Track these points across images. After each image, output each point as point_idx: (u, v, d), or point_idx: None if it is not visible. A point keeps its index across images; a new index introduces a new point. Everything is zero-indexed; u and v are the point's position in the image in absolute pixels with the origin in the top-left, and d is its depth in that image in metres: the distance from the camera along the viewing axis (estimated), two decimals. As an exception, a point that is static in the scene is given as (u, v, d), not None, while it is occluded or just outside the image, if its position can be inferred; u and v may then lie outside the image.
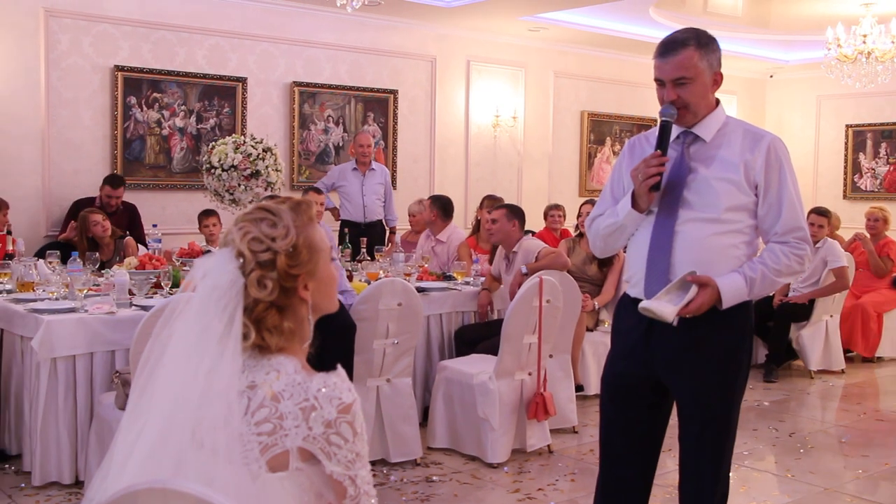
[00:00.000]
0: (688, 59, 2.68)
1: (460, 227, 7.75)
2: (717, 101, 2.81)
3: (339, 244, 7.00)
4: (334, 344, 4.25)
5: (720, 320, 2.72)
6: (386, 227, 8.15)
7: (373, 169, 8.00)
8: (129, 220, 7.04)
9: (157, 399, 1.57)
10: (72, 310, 4.33)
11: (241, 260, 1.62)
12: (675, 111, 2.72)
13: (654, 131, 2.79)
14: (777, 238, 2.74)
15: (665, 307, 2.62)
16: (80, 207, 6.83)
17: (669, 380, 2.81)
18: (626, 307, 2.90)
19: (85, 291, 4.58)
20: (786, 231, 2.72)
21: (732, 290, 2.68)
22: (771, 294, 7.29)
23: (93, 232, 6.21)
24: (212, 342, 1.56)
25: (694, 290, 2.64)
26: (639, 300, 2.76)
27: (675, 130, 2.79)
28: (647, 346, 2.80)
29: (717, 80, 2.76)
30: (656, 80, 2.75)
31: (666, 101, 2.73)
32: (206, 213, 6.82)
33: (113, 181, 6.98)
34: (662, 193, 2.74)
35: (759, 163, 2.70)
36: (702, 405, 2.78)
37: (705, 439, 2.78)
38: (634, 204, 2.76)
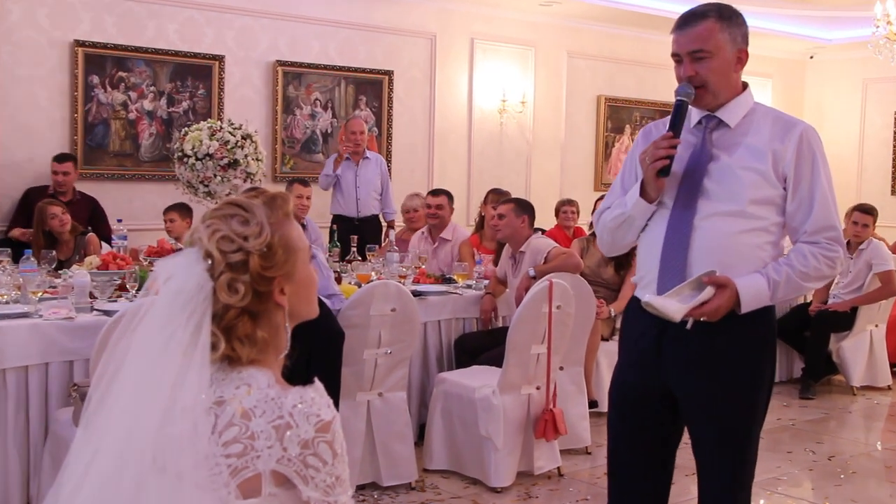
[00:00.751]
0: (707, 30, 2.69)
1: (462, 224, 7.74)
2: (745, 85, 2.81)
3: (328, 242, 7.00)
4: (321, 354, 4.26)
5: (739, 326, 2.71)
6: (383, 223, 8.13)
7: (367, 158, 8.00)
8: (89, 214, 7.01)
9: (115, 416, 1.57)
10: (24, 314, 4.31)
11: (210, 261, 1.61)
12: (692, 90, 2.73)
13: None
14: (806, 238, 2.73)
15: (670, 304, 2.62)
16: (31, 196, 6.81)
17: (681, 391, 2.80)
18: (635, 312, 2.89)
19: (40, 294, 4.57)
20: (816, 230, 2.72)
21: (752, 293, 2.67)
22: (807, 300, 7.28)
23: (50, 226, 6.14)
24: (176, 353, 1.55)
25: (709, 290, 2.63)
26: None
27: (698, 114, 2.80)
28: (658, 353, 2.80)
29: (742, 58, 2.76)
30: (673, 55, 2.77)
31: (683, 79, 2.73)
32: (168, 208, 6.74)
33: (58, 157, 7.01)
34: (680, 182, 2.75)
35: (789, 153, 2.70)
36: (717, 422, 2.77)
37: (721, 460, 2.78)
38: (643, 192, 2.76)
